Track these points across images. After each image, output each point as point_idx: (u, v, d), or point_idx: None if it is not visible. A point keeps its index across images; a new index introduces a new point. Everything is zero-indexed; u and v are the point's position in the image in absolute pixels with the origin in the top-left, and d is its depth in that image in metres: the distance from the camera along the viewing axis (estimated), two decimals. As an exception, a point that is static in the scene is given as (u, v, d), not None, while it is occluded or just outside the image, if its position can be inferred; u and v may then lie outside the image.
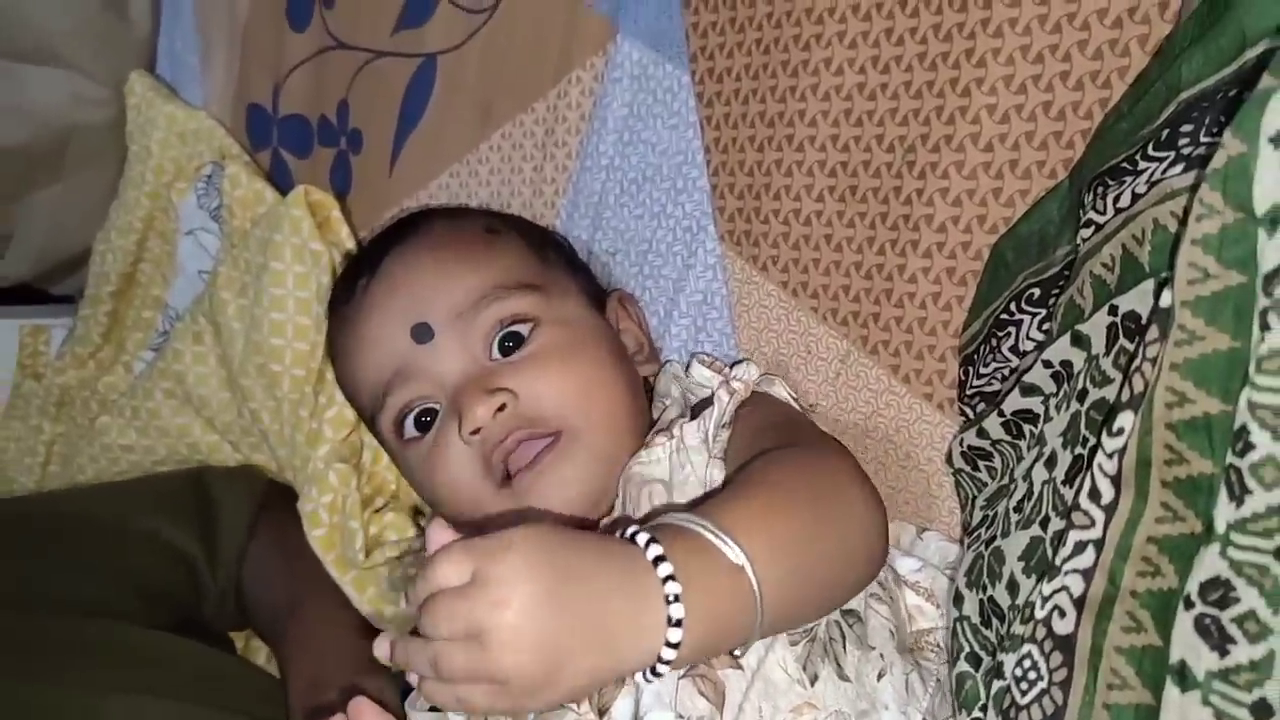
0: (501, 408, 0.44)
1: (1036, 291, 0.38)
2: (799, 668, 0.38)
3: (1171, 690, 0.27)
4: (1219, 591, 0.26)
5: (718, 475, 0.41)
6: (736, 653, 0.37)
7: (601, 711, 0.41)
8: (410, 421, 0.47)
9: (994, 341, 0.40)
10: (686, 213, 0.53)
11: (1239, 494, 0.26)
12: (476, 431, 0.44)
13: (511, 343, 0.46)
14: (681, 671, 0.39)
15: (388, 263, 0.49)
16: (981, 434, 0.39)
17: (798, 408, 0.48)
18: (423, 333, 0.46)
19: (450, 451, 0.45)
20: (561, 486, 0.44)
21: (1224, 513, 0.26)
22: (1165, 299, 0.28)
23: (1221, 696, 0.26)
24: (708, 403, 0.46)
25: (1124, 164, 0.33)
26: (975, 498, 0.41)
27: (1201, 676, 0.27)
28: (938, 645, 0.42)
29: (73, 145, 0.83)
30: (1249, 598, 0.26)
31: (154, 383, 0.65)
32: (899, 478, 0.47)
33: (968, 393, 0.42)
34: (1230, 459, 0.26)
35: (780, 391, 0.48)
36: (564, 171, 0.58)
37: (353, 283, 0.51)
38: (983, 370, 0.41)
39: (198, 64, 0.76)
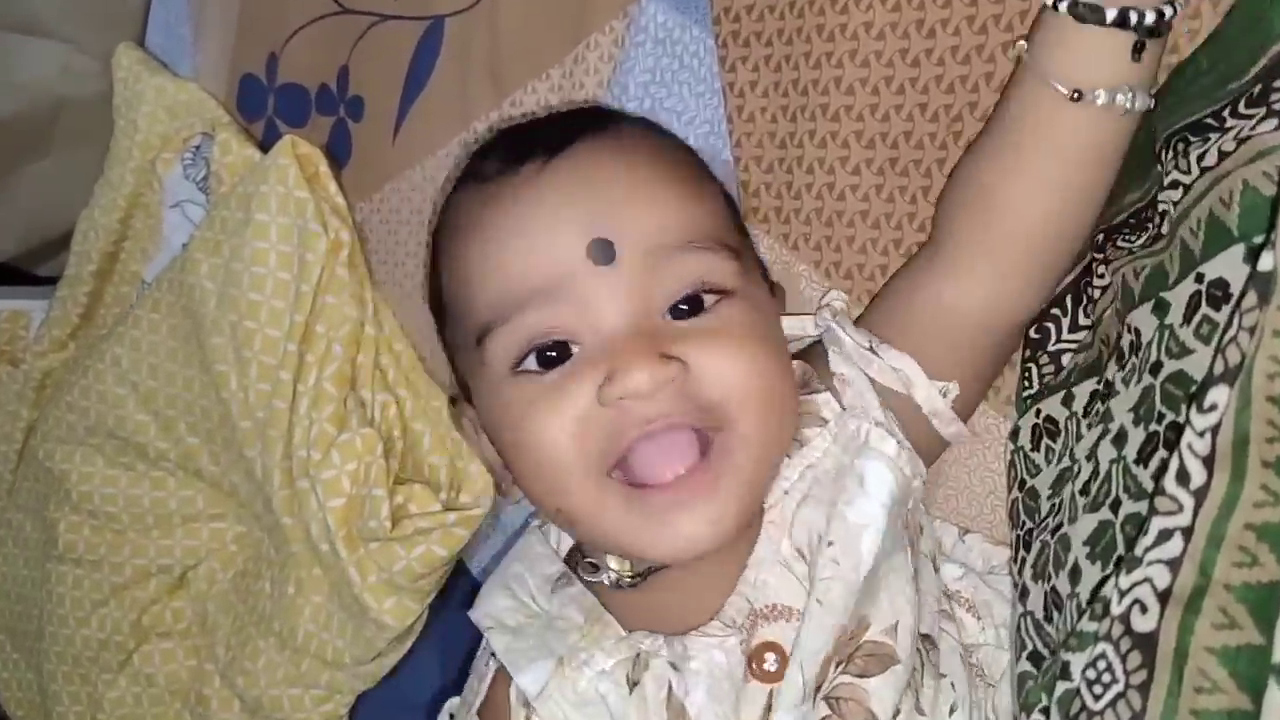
0: (671, 381, 0.35)
1: (1100, 237, 0.36)
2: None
3: (1275, 693, 0.24)
4: (1330, 583, 0.24)
5: (914, 370, 0.38)
6: None
7: (633, 684, 0.36)
8: (534, 354, 0.37)
9: (1091, 294, 0.38)
10: (711, 187, 0.50)
11: (1356, 473, 0.23)
12: (625, 397, 0.35)
13: (687, 306, 0.37)
14: (815, 719, 0.34)
15: (580, 149, 0.38)
16: (1067, 401, 0.36)
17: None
18: (605, 251, 0.36)
19: (567, 411, 0.36)
20: (701, 525, 0.35)
21: (1338, 495, 0.23)
22: (1265, 262, 0.25)
23: (1332, 701, 0.24)
24: (810, 354, 0.41)
25: (1208, 119, 0.30)
26: (1027, 482, 0.38)
27: (1308, 679, 0.24)
28: (981, 668, 0.39)
29: (62, 120, 0.81)
30: (1365, 591, 0.23)
31: (108, 345, 0.62)
32: (937, 471, 0.44)
33: (1049, 350, 0.40)
34: (1346, 435, 0.23)
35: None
36: (579, 144, 0.55)
37: (519, 158, 0.39)
38: (1065, 335, 0.39)
39: (190, 34, 0.73)
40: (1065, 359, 0.39)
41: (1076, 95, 0.34)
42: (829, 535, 0.36)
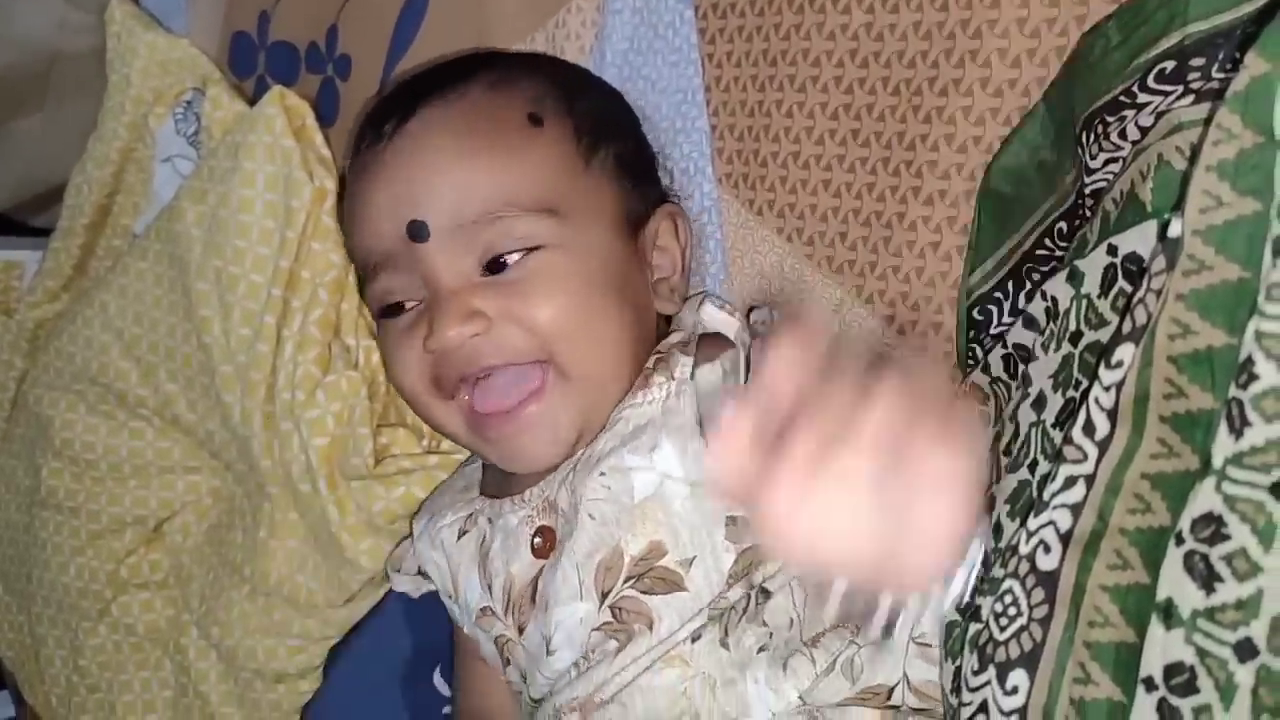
0: (475, 334, 0.42)
1: (1064, 226, 0.37)
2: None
3: (1156, 628, 0.26)
4: (1210, 528, 0.26)
5: None
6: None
7: (520, 629, 0.44)
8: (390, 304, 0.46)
9: (1035, 279, 0.39)
10: (684, 154, 0.52)
11: (1239, 427, 0.25)
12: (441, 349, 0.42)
13: (507, 261, 0.43)
14: (597, 622, 0.41)
15: (415, 125, 0.44)
16: (986, 369, 0.38)
17: None
18: (419, 231, 0.43)
19: (411, 352, 0.44)
20: (540, 445, 0.43)
21: (1222, 447, 0.25)
22: (1175, 229, 0.27)
23: (1205, 635, 0.26)
24: (717, 341, 0.44)
25: (1121, 97, 0.32)
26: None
27: (1187, 614, 0.26)
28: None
29: (55, 73, 0.82)
30: (1240, 534, 0.25)
31: (98, 292, 0.63)
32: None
33: (991, 332, 0.41)
34: (1233, 391, 0.25)
35: None
36: (560, 109, 0.56)
37: (380, 122, 0.46)
38: (1006, 318, 0.40)
39: (185, -10, 0.73)
40: (1007, 338, 0.40)
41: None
42: (603, 466, 0.41)
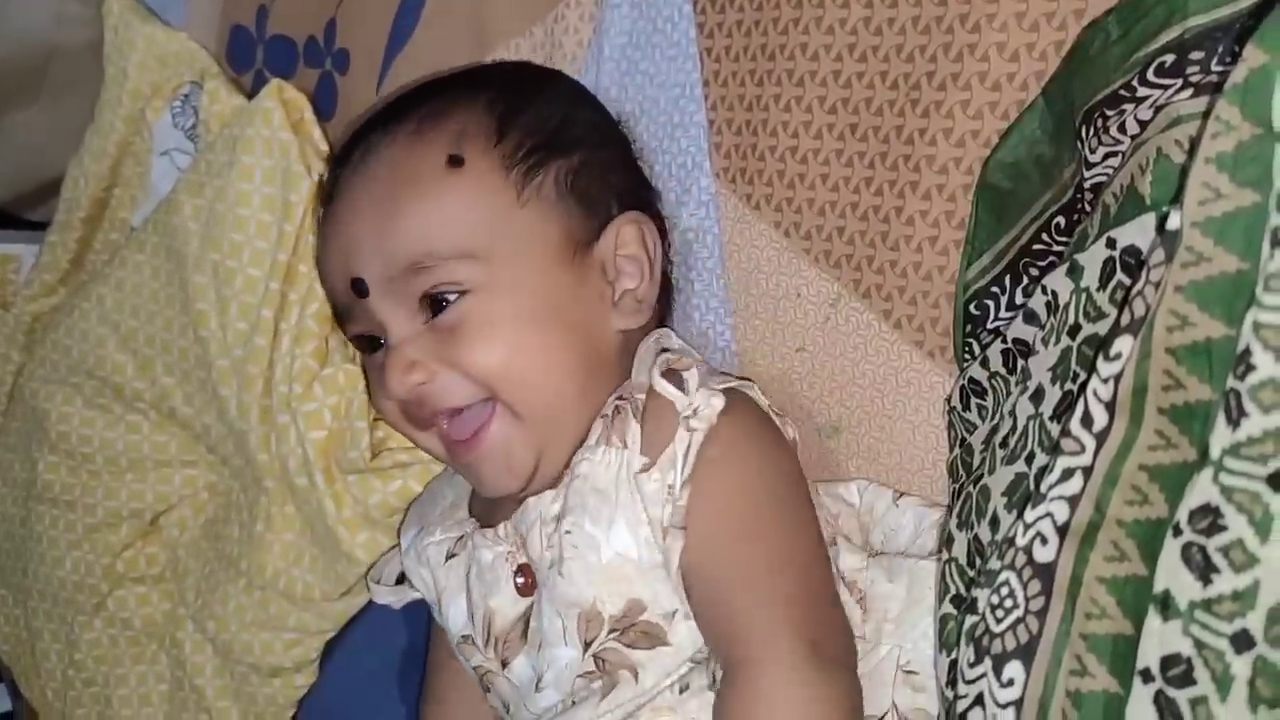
0: (420, 383, 0.43)
1: (1062, 220, 0.37)
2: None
3: (1153, 620, 0.26)
4: (1207, 519, 0.26)
5: (677, 547, 0.40)
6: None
7: (504, 663, 0.44)
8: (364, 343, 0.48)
9: (1032, 273, 0.39)
10: (682, 148, 0.52)
11: (1236, 417, 0.25)
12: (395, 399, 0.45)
13: (445, 301, 0.43)
14: (580, 670, 0.41)
15: (350, 177, 0.46)
16: (984, 363, 0.38)
17: (774, 417, 0.44)
18: (359, 288, 0.44)
19: (383, 390, 0.45)
20: (499, 474, 0.44)
21: (1220, 438, 0.25)
22: (1174, 221, 0.27)
23: (1202, 626, 0.26)
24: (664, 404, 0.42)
25: (1121, 91, 0.32)
26: (966, 440, 0.40)
27: (1184, 606, 0.26)
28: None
29: (53, 67, 0.81)
30: (1237, 525, 0.25)
31: (94, 285, 0.63)
32: (883, 428, 0.46)
33: (988, 327, 0.41)
34: (1230, 382, 0.25)
35: (756, 397, 0.44)
36: (558, 103, 0.56)
37: (334, 170, 0.49)
38: (1003, 313, 0.40)
39: (183, -17, 0.73)
40: (1007, 333, 0.40)
41: None
42: (569, 524, 0.41)
